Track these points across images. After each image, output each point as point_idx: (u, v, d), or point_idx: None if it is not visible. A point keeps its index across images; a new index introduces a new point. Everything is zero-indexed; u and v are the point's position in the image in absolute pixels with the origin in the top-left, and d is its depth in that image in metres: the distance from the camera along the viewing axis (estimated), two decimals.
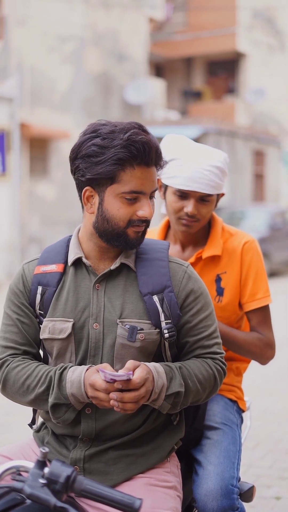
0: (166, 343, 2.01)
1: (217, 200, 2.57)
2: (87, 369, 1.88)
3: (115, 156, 1.88)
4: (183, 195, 2.47)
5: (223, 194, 2.59)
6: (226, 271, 2.56)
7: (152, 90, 20.64)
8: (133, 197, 1.93)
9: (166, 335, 1.98)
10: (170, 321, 1.98)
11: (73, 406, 1.91)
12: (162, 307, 1.98)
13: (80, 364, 2.00)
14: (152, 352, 2.01)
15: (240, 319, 2.62)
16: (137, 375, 1.81)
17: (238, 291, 2.55)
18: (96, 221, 1.97)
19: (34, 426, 2.13)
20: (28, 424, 2.16)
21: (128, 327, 1.95)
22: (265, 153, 24.47)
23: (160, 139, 2.55)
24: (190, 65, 27.22)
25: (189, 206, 2.46)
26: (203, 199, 2.48)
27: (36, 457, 1.84)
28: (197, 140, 18.11)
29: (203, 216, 2.50)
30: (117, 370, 1.92)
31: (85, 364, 1.98)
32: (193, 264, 2.56)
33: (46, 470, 1.55)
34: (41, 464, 1.57)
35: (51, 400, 1.91)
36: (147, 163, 1.92)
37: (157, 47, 24.87)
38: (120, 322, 1.96)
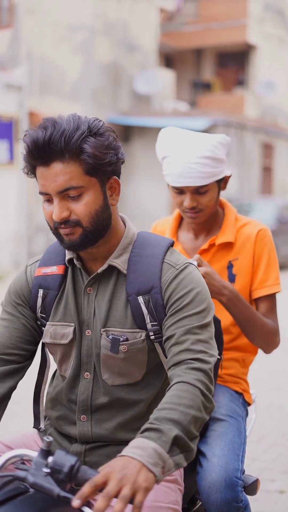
0: (159, 346, 1.91)
1: (224, 182, 2.58)
2: None
3: None
4: (179, 190, 2.51)
5: (229, 176, 2.59)
6: (238, 257, 2.57)
7: (161, 81, 20.57)
8: (45, 199, 1.83)
9: (152, 337, 1.89)
10: (156, 323, 1.87)
11: None
12: (147, 308, 1.87)
13: (74, 372, 1.95)
14: (143, 361, 1.91)
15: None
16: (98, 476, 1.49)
17: (250, 277, 2.56)
18: None
19: (41, 427, 2.10)
20: (35, 427, 2.12)
21: (111, 338, 1.88)
22: (274, 146, 24.39)
23: None
24: (200, 57, 27.11)
25: (186, 200, 2.50)
26: (198, 191, 2.49)
27: (40, 447, 1.83)
28: (205, 132, 18.04)
29: (205, 205, 2.52)
30: (106, 379, 1.91)
31: (79, 372, 1.95)
32: (206, 251, 2.59)
33: (50, 459, 1.54)
34: (45, 453, 1.56)
35: None
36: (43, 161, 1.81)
37: (168, 38, 24.77)
38: (104, 331, 1.90)
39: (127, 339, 1.88)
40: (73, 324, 1.93)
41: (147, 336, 1.89)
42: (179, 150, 2.46)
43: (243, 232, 2.59)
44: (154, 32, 21.36)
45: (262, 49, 25.71)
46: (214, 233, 2.63)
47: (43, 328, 2.00)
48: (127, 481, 1.46)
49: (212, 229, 2.65)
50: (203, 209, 2.52)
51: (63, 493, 1.51)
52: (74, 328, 1.93)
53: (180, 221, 2.72)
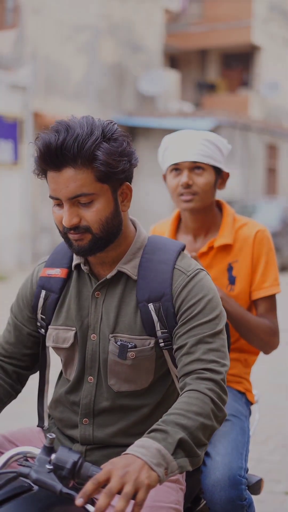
0: (168, 354, 1.88)
1: (222, 178, 2.59)
2: None
3: None
4: (177, 170, 2.52)
5: (228, 175, 2.59)
6: (238, 259, 2.56)
7: (166, 82, 20.57)
8: (55, 203, 1.82)
9: (162, 344, 1.85)
10: (166, 330, 1.84)
11: None
12: (158, 315, 1.83)
13: (78, 375, 1.94)
14: (151, 369, 1.89)
15: (251, 307, 2.62)
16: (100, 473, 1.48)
17: (250, 279, 2.55)
18: None
19: (45, 425, 2.09)
20: (39, 426, 2.12)
21: (119, 344, 1.85)
22: (278, 147, 24.37)
23: (173, 130, 2.65)
24: (204, 57, 27.12)
25: (183, 177, 2.50)
26: (194, 170, 2.50)
27: (43, 443, 1.82)
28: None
29: (200, 187, 2.51)
30: (112, 385, 1.88)
31: (83, 376, 1.93)
32: (205, 254, 2.57)
33: (53, 456, 1.54)
34: (48, 450, 1.55)
35: None
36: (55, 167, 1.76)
37: (172, 39, 24.78)
38: (112, 337, 1.86)
39: (135, 346, 1.85)
40: (74, 328, 1.91)
41: (156, 343, 1.86)
42: (182, 136, 2.51)
43: (242, 234, 2.58)
44: (159, 33, 21.37)
45: (266, 50, 25.71)
46: (212, 235, 2.62)
47: (42, 330, 1.99)
48: (129, 478, 1.45)
49: (210, 230, 2.63)
50: (198, 191, 2.51)
51: (65, 490, 1.51)
52: (75, 333, 1.91)
53: (178, 223, 2.70)
